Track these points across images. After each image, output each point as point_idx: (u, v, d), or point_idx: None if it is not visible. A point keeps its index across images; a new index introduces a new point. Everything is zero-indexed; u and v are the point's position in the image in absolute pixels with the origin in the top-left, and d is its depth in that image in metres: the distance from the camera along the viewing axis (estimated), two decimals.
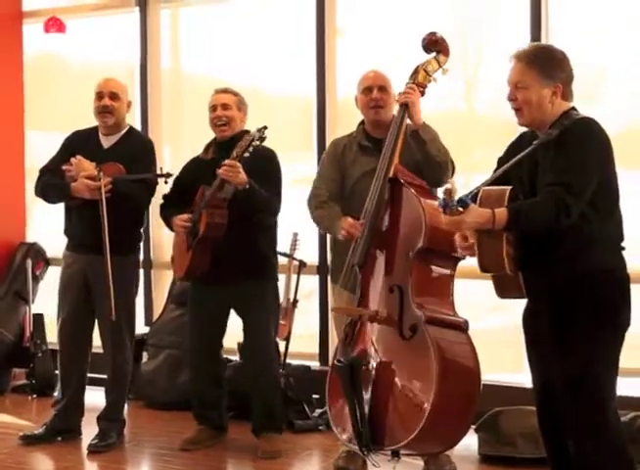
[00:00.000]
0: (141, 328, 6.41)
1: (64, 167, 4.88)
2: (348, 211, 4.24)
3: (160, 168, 4.95)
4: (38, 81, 6.98)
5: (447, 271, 3.85)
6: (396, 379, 3.72)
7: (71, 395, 5.08)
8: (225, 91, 4.93)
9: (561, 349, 3.23)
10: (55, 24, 6.69)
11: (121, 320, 4.91)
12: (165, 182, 4.91)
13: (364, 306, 3.93)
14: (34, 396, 6.22)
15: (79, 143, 5.04)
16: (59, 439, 5.08)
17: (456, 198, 3.13)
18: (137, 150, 4.98)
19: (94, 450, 4.91)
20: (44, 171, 5.07)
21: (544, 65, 3.24)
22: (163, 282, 6.49)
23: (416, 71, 4.19)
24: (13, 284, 6.57)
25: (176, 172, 5.03)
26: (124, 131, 5.05)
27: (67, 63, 7.00)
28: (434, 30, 4.19)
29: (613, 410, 3.26)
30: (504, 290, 3.31)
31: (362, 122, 4.55)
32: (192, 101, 6.48)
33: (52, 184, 4.96)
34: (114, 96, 4.95)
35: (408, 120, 4.16)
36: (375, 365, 3.78)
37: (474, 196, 3.21)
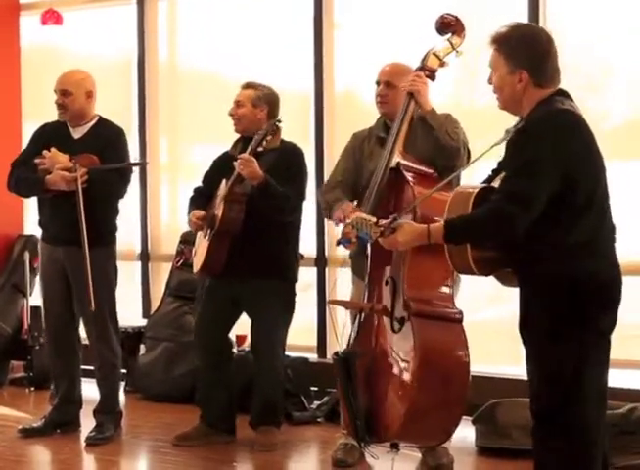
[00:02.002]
0: (139, 321, 6.43)
1: (36, 161, 4.87)
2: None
3: (135, 157, 4.94)
4: (35, 73, 6.97)
5: (442, 262, 3.83)
6: (389, 371, 3.74)
7: (65, 389, 5.09)
8: (246, 87, 4.93)
9: (528, 350, 3.15)
10: (52, 17, 6.67)
11: (104, 311, 4.92)
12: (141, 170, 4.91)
13: (371, 299, 3.94)
14: (32, 388, 6.23)
15: (50, 135, 5.04)
16: (57, 431, 5.09)
17: (361, 232, 3.16)
18: (109, 140, 4.97)
19: (91, 443, 4.92)
20: (16, 165, 5.05)
21: (508, 50, 3.08)
22: (161, 274, 6.49)
23: (426, 56, 4.14)
24: (10, 277, 6.57)
25: (144, 160, 4.98)
26: (94, 122, 5.03)
27: (64, 55, 6.97)
28: (446, 12, 4.12)
29: (584, 411, 3.08)
30: (503, 280, 3.28)
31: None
32: (189, 93, 6.47)
33: (25, 178, 4.95)
34: (63, 92, 4.96)
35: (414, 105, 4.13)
36: (373, 358, 3.80)
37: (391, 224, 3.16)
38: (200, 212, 4.82)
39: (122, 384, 6.03)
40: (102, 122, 5.05)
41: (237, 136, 4.98)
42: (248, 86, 4.93)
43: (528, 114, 3.09)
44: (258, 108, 4.89)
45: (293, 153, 4.85)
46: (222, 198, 4.70)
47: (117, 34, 6.70)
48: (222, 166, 4.91)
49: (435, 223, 3.11)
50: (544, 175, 2.95)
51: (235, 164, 4.61)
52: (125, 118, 6.65)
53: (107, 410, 5.06)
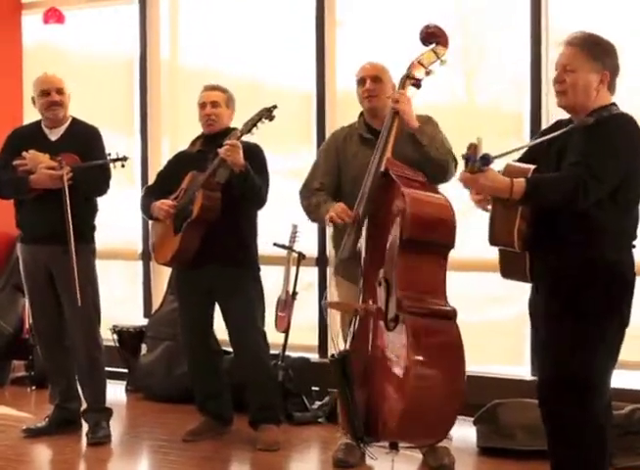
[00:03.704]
0: (140, 320, 6.42)
1: (16, 163, 4.88)
2: (350, 204, 4.19)
3: (117, 153, 4.95)
4: (37, 72, 6.93)
5: (435, 261, 3.81)
6: (386, 370, 3.73)
7: (64, 388, 5.09)
8: (214, 88, 4.97)
9: (551, 335, 3.20)
10: (54, 15, 6.68)
11: (90, 309, 4.92)
12: (122, 166, 4.93)
13: (366, 300, 3.93)
14: (33, 387, 6.22)
15: (25, 139, 5.03)
16: (59, 431, 5.07)
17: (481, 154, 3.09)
18: (86, 138, 5.00)
19: (92, 443, 4.91)
20: None
21: (594, 50, 3.23)
22: (162, 274, 6.47)
23: (411, 66, 4.15)
24: (11, 277, 6.54)
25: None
26: (68, 123, 5.04)
27: (66, 54, 6.98)
28: (430, 23, 4.15)
29: (598, 405, 3.18)
30: (509, 270, 3.29)
31: (362, 114, 4.54)
32: (191, 92, 6.42)
33: (8, 179, 4.94)
34: (59, 91, 4.98)
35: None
36: (371, 358, 3.79)
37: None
38: (169, 202, 4.83)
39: (124, 384, 6.08)
40: (76, 123, 5.07)
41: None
42: (215, 88, 4.97)
43: (592, 112, 3.21)
44: (230, 108, 4.96)
45: (255, 148, 4.88)
46: (200, 186, 4.72)
47: (119, 33, 6.70)
48: (180, 164, 4.97)
49: (518, 178, 3.14)
50: (616, 167, 3.13)
51: (220, 150, 4.62)
52: (127, 117, 6.67)
53: (98, 408, 5.04)
